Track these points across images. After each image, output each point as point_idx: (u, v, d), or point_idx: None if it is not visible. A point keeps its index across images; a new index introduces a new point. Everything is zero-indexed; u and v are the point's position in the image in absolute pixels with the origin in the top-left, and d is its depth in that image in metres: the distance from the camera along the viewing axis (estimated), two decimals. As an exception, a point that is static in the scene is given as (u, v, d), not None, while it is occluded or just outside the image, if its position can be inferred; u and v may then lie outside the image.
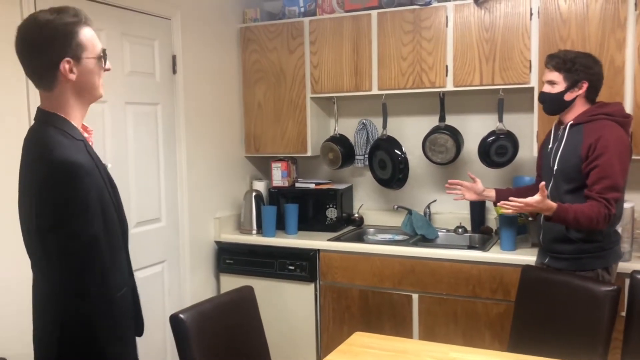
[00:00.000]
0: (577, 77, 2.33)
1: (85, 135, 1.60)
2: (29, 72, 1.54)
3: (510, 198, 2.22)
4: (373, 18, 3.28)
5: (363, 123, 3.59)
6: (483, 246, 3.05)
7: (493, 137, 3.18)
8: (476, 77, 3.07)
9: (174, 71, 3.15)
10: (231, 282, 3.36)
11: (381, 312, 3.11)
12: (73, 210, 1.45)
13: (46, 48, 1.48)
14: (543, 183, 2.21)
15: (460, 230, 3.36)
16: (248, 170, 3.79)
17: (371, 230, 3.56)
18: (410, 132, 3.51)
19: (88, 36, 1.53)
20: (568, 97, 2.36)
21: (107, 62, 1.61)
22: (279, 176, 3.65)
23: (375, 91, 3.31)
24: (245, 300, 2.17)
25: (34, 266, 1.56)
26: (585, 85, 2.34)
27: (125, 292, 1.61)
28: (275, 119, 3.60)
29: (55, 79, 1.50)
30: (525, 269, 2.40)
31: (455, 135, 3.28)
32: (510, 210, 2.23)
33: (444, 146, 3.26)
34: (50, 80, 1.51)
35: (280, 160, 3.66)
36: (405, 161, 3.39)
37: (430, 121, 3.37)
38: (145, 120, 2.97)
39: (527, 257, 2.79)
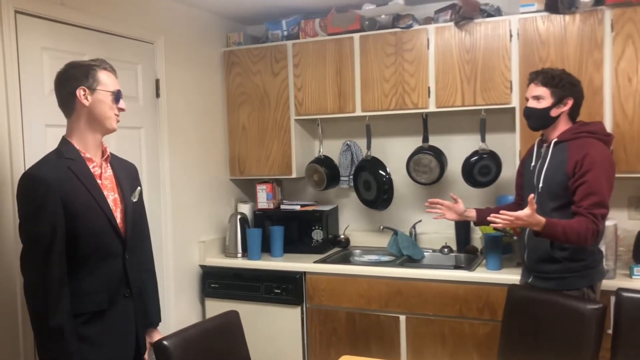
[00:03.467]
0: (564, 94, 2.35)
1: (88, 156, 1.91)
2: (59, 103, 1.91)
3: (501, 212, 2.20)
4: (355, 41, 3.31)
5: (347, 144, 3.60)
6: (469, 266, 3.05)
7: (476, 157, 3.21)
8: (458, 98, 3.10)
9: (157, 95, 3.14)
10: (217, 307, 3.32)
11: (368, 335, 3.08)
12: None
13: (69, 80, 1.87)
14: (532, 196, 2.20)
15: (445, 250, 3.37)
16: (233, 193, 3.78)
17: (357, 251, 3.55)
18: (394, 152, 3.53)
19: (105, 76, 1.91)
20: (554, 112, 2.38)
21: (122, 102, 1.95)
22: (264, 198, 3.64)
23: (358, 113, 3.33)
24: (230, 326, 2.14)
25: None
26: (570, 102, 2.36)
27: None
28: (260, 141, 3.60)
29: (73, 105, 1.88)
30: (512, 288, 2.40)
31: (439, 155, 3.31)
32: (500, 224, 2.21)
33: (428, 166, 3.28)
34: (70, 108, 1.89)
35: (265, 183, 3.65)
36: (389, 182, 3.40)
37: (414, 142, 3.40)
38: (128, 144, 2.95)
39: (513, 276, 2.79)
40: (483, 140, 3.20)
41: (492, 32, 3.02)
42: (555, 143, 2.38)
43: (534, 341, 2.23)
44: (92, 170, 1.91)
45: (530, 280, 2.47)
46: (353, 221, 3.71)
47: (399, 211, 3.57)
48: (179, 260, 3.28)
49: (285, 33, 3.57)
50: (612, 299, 2.38)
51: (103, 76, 1.90)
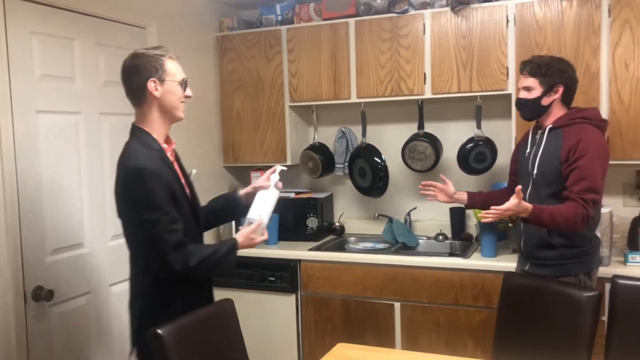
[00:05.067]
0: (553, 81, 2.34)
1: (165, 146, 1.98)
2: (126, 93, 1.95)
3: (492, 207, 2.20)
4: (351, 26, 3.27)
5: (342, 131, 3.58)
6: (464, 253, 3.04)
7: (472, 144, 3.19)
8: (454, 84, 3.08)
9: (150, 81, 3.09)
10: (211, 295, 3.30)
11: (363, 322, 3.08)
12: (144, 205, 1.83)
13: (138, 72, 1.90)
14: (519, 187, 2.20)
15: (440, 237, 3.36)
16: (227, 180, 3.75)
17: (352, 238, 3.54)
18: (390, 140, 3.51)
19: (172, 66, 1.95)
20: (545, 101, 2.37)
21: (188, 90, 2.00)
22: (258, 186, 3.61)
23: (354, 99, 3.30)
24: (225, 314, 2.12)
25: (128, 249, 1.99)
26: (560, 89, 2.34)
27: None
28: (254, 128, 3.57)
29: (144, 97, 1.92)
30: (507, 275, 2.39)
31: (434, 142, 3.29)
32: (490, 219, 2.21)
33: (423, 153, 3.26)
34: (140, 98, 1.93)
35: (259, 170, 3.62)
36: (385, 169, 3.38)
37: (409, 129, 3.38)
38: (122, 131, 2.86)
39: (508, 263, 2.80)
40: (479, 127, 3.18)
41: (488, 18, 2.99)
42: (550, 129, 2.37)
43: (530, 328, 2.22)
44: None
45: (527, 267, 2.47)
46: (348, 208, 3.70)
47: (394, 198, 3.55)
48: (172, 248, 3.25)
49: (280, 18, 3.53)
50: (607, 286, 2.39)
51: (170, 65, 1.94)
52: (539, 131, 2.44)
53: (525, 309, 2.27)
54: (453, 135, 3.35)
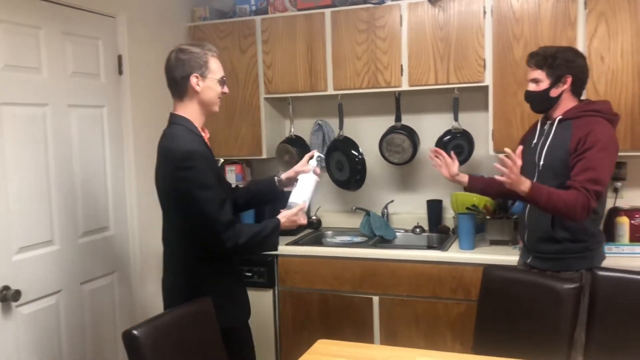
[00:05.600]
0: (560, 72, 2.30)
1: (202, 134, 2.12)
2: (169, 84, 2.12)
3: (505, 149, 2.13)
4: (326, 17, 3.22)
5: (319, 124, 3.53)
6: (441, 246, 3.03)
7: (449, 136, 3.18)
8: (431, 76, 3.05)
9: (120, 72, 2.99)
10: (186, 291, 3.23)
11: (341, 316, 3.05)
12: (198, 184, 1.97)
13: (184, 65, 2.05)
14: (520, 148, 2.15)
15: (418, 230, 3.35)
16: (200, 174, 3.66)
17: (329, 232, 3.50)
18: (367, 132, 3.47)
19: (214, 64, 2.10)
20: (554, 93, 2.33)
21: (225, 87, 2.16)
22: (233, 179, 3.54)
23: (330, 91, 3.25)
24: (203, 313, 2.06)
25: (168, 229, 2.21)
26: (569, 80, 2.31)
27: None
28: (228, 120, 3.49)
29: (186, 90, 2.08)
30: (487, 268, 2.38)
31: (412, 135, 3.27)
32: (504, 177, 2.13)
33: (401, 146, 3.24)
34: (182, 91, 2.09)
35: (234, 163, 3.55)
36: (362, 162, 3.35)
37: (387, 121, 3.35)
38: (90, 124, 2.81)
39: (486, 255, 2.80)
40: (456, 119, 3.17)
41: (465, 9, 2.97)
42: (560, 121, 2.34)
43: (510, 321, 2.22)
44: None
45: (529, 260, 2.44)
46: (325, 202, 3.66)
47: (372, 191, 3.52)
48: (145, 246, 3.16)
49: (254, 8, 3.45)
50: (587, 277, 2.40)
51: (213, 63, 2.09)
52: (548, 122, 2.40)
53: (506, 301, 2.26)
54: (430, 127, 3.34)
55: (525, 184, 2.16)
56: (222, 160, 2.27)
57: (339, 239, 3.38)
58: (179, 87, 2.09)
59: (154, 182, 2.19)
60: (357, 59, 3.17)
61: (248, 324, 2.32)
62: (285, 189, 2.37)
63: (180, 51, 2.08)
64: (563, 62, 2.30)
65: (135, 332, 1.79)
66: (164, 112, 3.29)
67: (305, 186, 2.29)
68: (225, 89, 2.16)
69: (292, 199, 2.26)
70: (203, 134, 2.13)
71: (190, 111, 2.10)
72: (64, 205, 2.62)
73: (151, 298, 3.21)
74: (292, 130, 3.53)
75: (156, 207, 3.25)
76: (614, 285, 2.10)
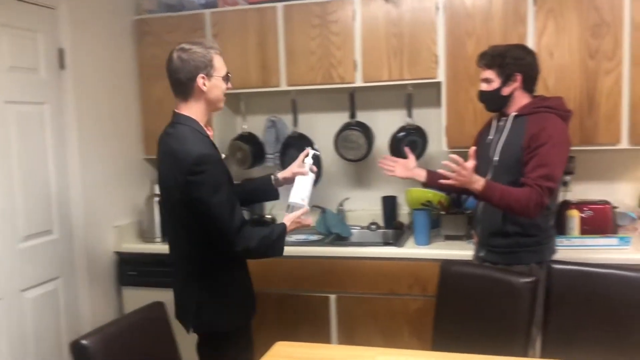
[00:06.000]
0: (510, 71, 2.32)
1: (209, 133, 2.09)
2: (172, 83, 2.05)
3: (450, 157, 2.13)
4: (279, 11, 3.15)
5: (272, 120, 3.46)
6: (397, 242, 3.02)
7: (403, 133, 3.18)
8: (385, 72, 3.04)
9: (62, 66, 2.84)
10: (136, 296, 3.12)
11: (298, 316, 3.00)
12: (210, 188, 1.95)
13: (188, 65, 2.00)
14: (473, 148, 2.17)
15: (373, 226, 3.34)
16: (148, 173, 3.52)
17: (284, 231, 3.44)
18: (322, 129, 3.42)
19: (218, 61, 2.06)
20: (505, 91, 2.36)
21: (230, 83, 2.12)
22: (183, 178, 3.42)
23: (284, 87, 3.19)
24: (156, 319, 1.97)
25: (174, 231, 2.15)
26: (519, 78, 2.33)
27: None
28: (178, 117, 3.37)
29: (192, 90, 2.03)
30: (445, 264, 2.38)
31: (367, 131, 3.25)
32: (450, 180, 2.16)
33: (356, 142, 3.21)
34: (188, 92, 2.03)
35: (184, 162, 3.43)
36: (317, 159, 3.30)
37: (341, 117, 3.32)
38: (30, 121, 2.65)
39: (442, 250, 2.82)
40: (410, 115, 3.17)
41: (418, 5, 2.96)
42: (515, 117, 2.36)
43: (469, 316, 2.22)
44: None
45: (482, 254, 2.48)
46: (279, 200, 3.57)
47: (327, 189, 3.48)
48: (91, 248, 3.03)
49: (203, 1, 3.34)
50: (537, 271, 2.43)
51: (217, 61, 2.05)
52: (503, 118, 2.42)
53: (464, 297, 2.27)
54: (385, 124, 3.32)
55: (478, 183, 2.18)
56: (223, 155, 2.23)
57: (295, 237, 3.32)
58: (184, 88, 2.03)
59: (157, 182, 2.21)
60: (310, 54, 3.12)
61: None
62: (281, 188, 2.41)
63: (183, 51, 2.03)
64: (512, 61, 2.33)
65: (84, 342, 1.69)
66: (111, 108, 3.19)
67: (304, 185, 2.31)
68: (230, 85, 2.14)
69: (292, 199, 2.28)
70: (208, 133, 2.10)
71: (195, 111, 2.06)
72: (1, 209, 2.47)
73: (100, 305, 3.08)
74: (245, 127, 3.45)
75: (104, 209, 3.14)
76: (569, 278, 2.14)
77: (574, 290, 2.12)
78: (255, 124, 3.53)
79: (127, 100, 3.36)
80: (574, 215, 2.78)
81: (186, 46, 2.05)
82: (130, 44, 3.37)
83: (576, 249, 2.68)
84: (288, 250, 2.95)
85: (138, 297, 3.10)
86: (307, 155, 2.37)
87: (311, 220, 2.24)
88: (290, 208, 2.25)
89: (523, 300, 2.08)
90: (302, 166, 2.35)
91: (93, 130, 3.06)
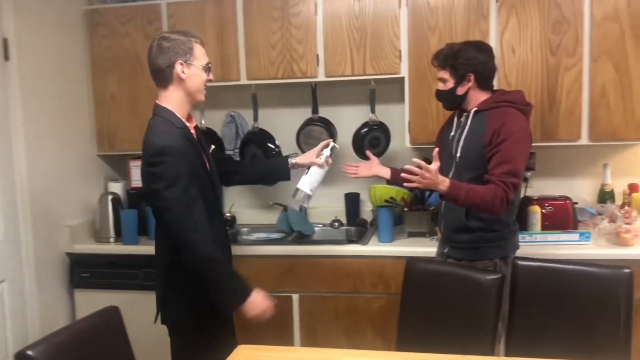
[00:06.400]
0: (463, 71, 2.30)
1: (187, 124, 2.07)
2: (152, 72, 2.06)
3: (415, 160, 2.09)
4: (238, 3, 3.05)
5: (232, 115, 3.35)
6: (361, 239, 2.98)
7: (366, 129, 3.14)
8: (347, 66, 2.98)
9: (6, 57, 2.68)
10: (89, 299, 2.99)
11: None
12: (166, 180, 1.92)
13: (167, 52, 2.00)
14: (437, 150, 2.14)
15: (336, 224, 3.29)
16: (102, 170, 3.38)
17: (245, 229, 3.35)
18: (283, 124, 3.35)
19: (199, 51, 2.06)
20: (460, 91, 2.34)
21: (211, 74, 2.11)
22: (138, 176, 3.25)
23: (244, 81, 3.10)
24: (110, 324, 1.86)
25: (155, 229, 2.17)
26: (472, 77, 2.32)
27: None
28: (132, 111, 3.23)
29: (171, 78, 2.02)
30: (410, 261, 2.34)
31: (329, 127, 3.20)
32: (415, 181, 2.11)
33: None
34: (167, 80, 2.03)
35: (140, 158, 3.28)
36: (279, 155, 3.23)
37: (303, 113, 3.25)
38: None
39: (406, 248, 2.79)
40: (373, 111, 3.13)
41: (381, -2, 2.92)
42: (475, 112, 2.34)
43: (434, 314, 2.19)
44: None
45: (446, 250, 2.45)
46: (239, 198, 3.49)
47: (289, 186, 3.37)
48: (40, 249, 2.87)
49: (159, -9, 3.21)
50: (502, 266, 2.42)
51: (198, 50, 2.05)
52: (464, 114, 2.40)
53: (429, 295, 2.23)
54: (347, 119, 3.27)
55: (444, 183, 2.15)
56: (212, 147, 2.33)
57: (256, 236, 3.25)
58: (163, 75, 2.02)
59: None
60: (271, 48, 3.04)
61: None
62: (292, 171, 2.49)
63: (163, 39, 2.03)
64: (464, 61, 2.31)
65: (30, 352, 1.57)
66: (61, 102, 3.03)
67: (316, 176, 2.39)
68: (211, 76, 2.12)
69: (301, 185, 2.38)
70: (188, 124, 2.08)
71: (174, 101, 2.05)
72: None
73: (50, 310, 2.92)
74: (203, 122, 3.34)
75: (54, 208, 2.98)
76: (534, 274, 2.12)
77: (539, 287, 2.11)
78: (214, 119, 3.43)
79: (79, 94, 3.20)
80: (536, 211, 2.79)
81: (166, 34, 2.06)
82: (81, 35, 3.22)
83: (539, 245, 2.69)
84: (248, 249, 2.94)
85: (91, 301, 2.99)
86: (327, 146, 2.42)
87: (270, 312, 2.15)
88: (298, 193, 2.36)
89: (489, 298, 2.06)
90: (320, 156, 2.41)
91: (41, 125, 2.90)
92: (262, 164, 2.63)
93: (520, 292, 2.14)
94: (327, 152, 2.41)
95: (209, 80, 2.12)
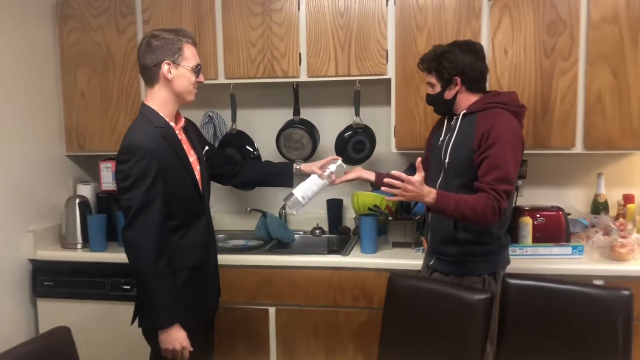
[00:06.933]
0: (449, 75, 2.16)
1: (172, 124, 2.03)
2: (140, 71, 2.02)
3: (394, 173, 1.97)
4: (216, -3, 2.89)
5: (209, 116, 3.18)
6: (342, 249, 2.82)
7: (350, 132, 2.99)
8: (331, 66, 2.83)
9: (-36, 50, 2.49)
10: (52, 308, 2.84)
11: (234, 331, 2.76)
12: (130, 181, 1.88)
13: (155, 51, 1.96)
14: (419, 160, 1.99)
15: (317, 231, 3.13)
16: (70, 172, 3.19)
17: (221, 236, 3.16)
18: (263, 126, 3.19)
19: (189, 51, 2.01)
20: (447, 95, 2.20)
21: (201, 76, 2.06)
22: (109, 178, 3.10)
23: (222, 80, 2.93)
24: (60, 344, 1.69)
25: None
26: (458, 80, 2.17)
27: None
28: (103, 110, 3.06)
29: (157, 77, 1.98)
30: (393, 276, 2.19)
31: (311, 130, 3.03)
32: (396, 197, 1.98)
33: (300, 142, 2.99)
34: (153, 78, 1.99)
35: (111, 160, 3.12)
36: (257, 158, 3.07)
37: (284, 114, 3.08)
38: None
39: (389, 260, 2.64)
40: (357, 113, 2.97)
41: (368, -5, 2.76)
42: (464, 115, 2.19)
43: (418, 333, 2.05)
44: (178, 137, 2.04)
45: (432, 262, 2.29)
46: (216, 202, 3.30)
47: (268, 191, 3.24)
48: (1, 255, 2.69)
49: (133, -17, 3.04)
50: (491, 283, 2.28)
51: (187, 51, 2.00)
52: (454, 117, 2.25)
53: (413, 312, 2.09)
54: (331, 122, 3.12)
55: (430, 195, 2.00)
56: (207, 148, 2.28)
57: (232, 243, 3.08)
58: (150, 74, 1.99)
59: None
60: (251, 45, 2.87)
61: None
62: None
63: (153, 37, 1.99)
64: (449, 64, 2.16)
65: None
66: (25, 98, 2.84)
67: (312, 186, 2.35)
68: (201, 78, 2.06)
69: (296, 191, 2.33)
70: (173, 124, 2.04)
71: (159, 100, 2.01)
72: None
73: (10, 320, 2.75)
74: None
75: (16, 211, 2.79)
76: (525, 293, 1.98)
77: (531, 307, 1.97)
78: (191, 119, 3.24)
79: (47, 90, 3.02)
80: (527, 223, 2.64)
81: (157, 32, 2.01)
82: (50, 28, 3.04)
83: (529, 259, 2.55)
84: (223, 258, 2.74)
85: (55, 310, 2.85)
86: (334, 162, 2.39)
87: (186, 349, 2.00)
88: (289, 197, 2.32)
89: (477, 318, 1.91)
90: (325, 169, 2.37)
91: (5, 123, 2.72)
92: (265, 167, 2.59)
93: (511, 311, 2.00)
94: (332, 167, 2.37)
95: (199, 82, 2.05)
